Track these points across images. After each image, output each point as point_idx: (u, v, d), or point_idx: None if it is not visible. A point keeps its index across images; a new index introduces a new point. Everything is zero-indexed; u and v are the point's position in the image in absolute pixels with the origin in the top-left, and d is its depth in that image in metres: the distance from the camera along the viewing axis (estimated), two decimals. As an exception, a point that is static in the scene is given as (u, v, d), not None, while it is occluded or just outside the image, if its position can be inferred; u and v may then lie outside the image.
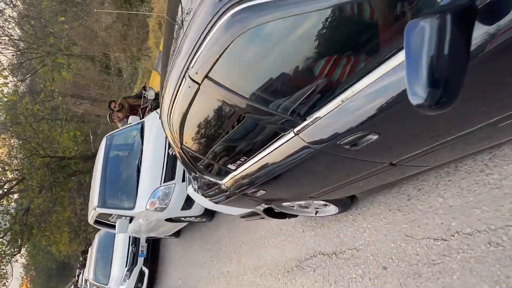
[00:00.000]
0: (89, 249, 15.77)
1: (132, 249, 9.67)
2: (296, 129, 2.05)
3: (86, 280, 23.15)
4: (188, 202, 6.10)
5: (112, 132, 7.72)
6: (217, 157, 2.79)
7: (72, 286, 32.43)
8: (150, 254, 9.91)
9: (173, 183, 6.03)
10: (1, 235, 18.28)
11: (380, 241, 2.73)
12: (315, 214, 3.32)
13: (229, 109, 2.19)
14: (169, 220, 6.53)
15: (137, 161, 6.45)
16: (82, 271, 27.41)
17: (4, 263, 18.92)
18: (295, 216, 3.67)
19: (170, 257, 9.23)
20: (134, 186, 6.31)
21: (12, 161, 20.18)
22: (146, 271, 9.72)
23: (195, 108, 2.42)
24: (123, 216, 6.59)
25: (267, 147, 2.33)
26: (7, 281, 18.96)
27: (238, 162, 2.69)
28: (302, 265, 3.65)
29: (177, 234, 8.51)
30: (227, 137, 2.46)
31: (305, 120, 1.97)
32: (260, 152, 2.42)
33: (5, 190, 18.75)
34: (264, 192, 2.88)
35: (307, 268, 3.57)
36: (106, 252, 10.52)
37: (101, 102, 21.15)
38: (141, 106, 8.33)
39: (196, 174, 3.20)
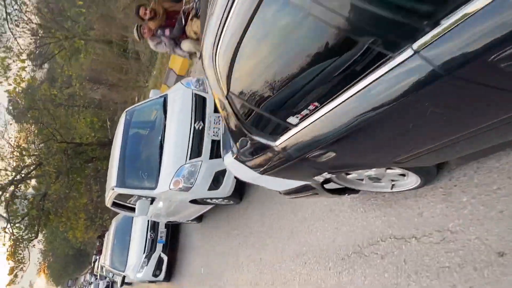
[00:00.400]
0: (106, 235, 15.43)
1: (150, 235, 9.17)
2: (417, 44, 1.37)
3: (102, 267, 23.00)
4: (216, 182, 5.50)
5: (132, 106, 7.11)
6: (275, 107, 2.13)
7: (88, 273, 32.51)
8: (170, 240, 9.39)
9: (199, 160, 5.37)
10: (19, 220, 18.11)
11: (492, 219, 2.05)
12: (391, 188, 2.64)
13: (311, 25, 1.54)
14: (193, 201, 5.94)
15: (160, 137, 5.82)
16: (98, 258, 27.40)
17: (21, 248, 18.77)
18: (356, 192, 3.01)
19: (191, 244, 8.68)
20: (157, 164, 5.71)
21: (30, 146, 20.04)
22: (165, 258, 9.21)
23: (256, 31, 1.77)
24: (144, 197, 6.03)
25: (357, 82, 1.65)
26: (24, 266, 18.81)
27: (305, 111, 2.03)
28: (364, 251, 3.00)
29: (199, 218, 7.93)
30: (297, 74, 1.80)
31: (438, 25, 1.29)
32: (342, 93, 1.75)
33: (23, 176, 18.56)
34: (334, 154, 2.21)
35: (372, 256, 2.91)
36: (123, 238, 10.05)
37: (119, 88, 20.76)
38: (182, 10, 5.74)
39: (242, 132, 2.54)
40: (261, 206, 5.31)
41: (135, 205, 6.16)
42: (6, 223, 17.92)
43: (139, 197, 6.08)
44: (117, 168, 6.29)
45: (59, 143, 16.75)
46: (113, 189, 6.23)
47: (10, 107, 24.74)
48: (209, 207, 6.74)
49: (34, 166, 18.97)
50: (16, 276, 18.70)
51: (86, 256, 46.16)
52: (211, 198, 5.86)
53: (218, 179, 5.47)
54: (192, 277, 7.97)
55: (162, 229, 9.27)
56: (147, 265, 9.09)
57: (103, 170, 22.10)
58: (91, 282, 29.92)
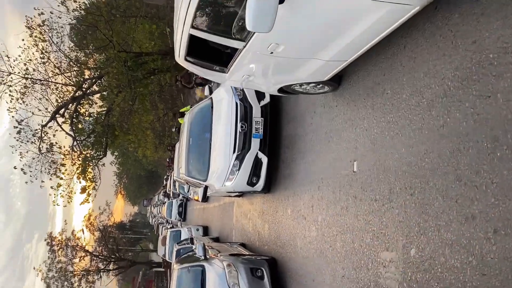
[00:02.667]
0: (177, 144, 13.46)
1: (241, 127, 6.39)
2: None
3: (174, 183, 21.92)
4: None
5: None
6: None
7: (162, 192, 32.48)
8: (270, 132, 6.64)
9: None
10: (85, 137, 16.64)
11: None
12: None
13: None
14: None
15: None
16: (168, 175, 26.68)
17: (91, 166, 17.53)
18: None
19: (310, 135, 5.76)
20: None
21: (88, 58, 18.16)
22: (265, 159, 6.51)
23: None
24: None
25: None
26: (96, 185, 17.73)
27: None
28: None
29: (336, 81, 4.80)
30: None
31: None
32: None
33: (84, 90, 16.69)
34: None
35: None
36: (201, 136, 7.47)
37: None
38: None
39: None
40: None
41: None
42: (72, 141, 16.55)
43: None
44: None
45: (118, 52, 14.46)
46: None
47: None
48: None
49: (94, 79, 17.10)
50: (89, 195, 17.69)
51: (158, 178, 47.05)
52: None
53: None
54: (313, 184, 5.19)
55: (257, 117, 6.42)
56: (239, 170, 6.50)
57: (167, 85, 20.04)
58: (164, 202, 29.68)
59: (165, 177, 29.10)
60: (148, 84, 18.21)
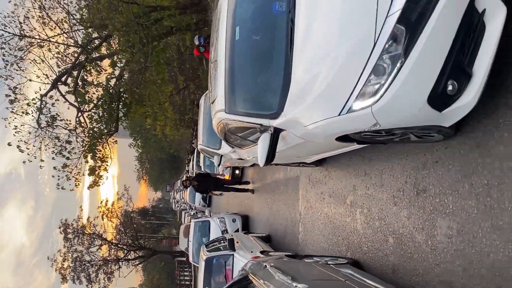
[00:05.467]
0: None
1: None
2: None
3: (197, 158, 19.08)
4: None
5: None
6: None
7: (185, 176, 30.11)
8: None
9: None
10: (91, 107, 14.02)
11: None
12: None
13: None
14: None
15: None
16: (191, 157, 24.16)
17: (101, 144, 14.97)
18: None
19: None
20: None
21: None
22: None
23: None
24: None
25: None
26: (107, 165, 15.17)
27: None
28: None
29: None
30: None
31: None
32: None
33: (89, 51, 14.04)
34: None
35: None
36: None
37: None
38: None
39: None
40: None
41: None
42: (77, 113, 13.99)
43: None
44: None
45: (129, 4, 11.68)
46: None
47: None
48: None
49: (101, 39, 14.43)
50: (100, 177, 15.17)
51: (180, 163, 44.79)
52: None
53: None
54: None
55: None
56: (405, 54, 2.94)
57: (187, 50, 17.34)
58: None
59: (187, 160, 26.38)
60: (164, 49, 15.46)
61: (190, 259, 12.46)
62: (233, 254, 6.49)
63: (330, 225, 5.36)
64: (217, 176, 11.95)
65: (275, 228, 8.36)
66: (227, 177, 12.22)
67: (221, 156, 6.75)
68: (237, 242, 6.94)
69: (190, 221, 14.68)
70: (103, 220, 28.01)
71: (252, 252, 6.24)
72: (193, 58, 20.27)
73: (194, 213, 23.16)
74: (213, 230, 11.34)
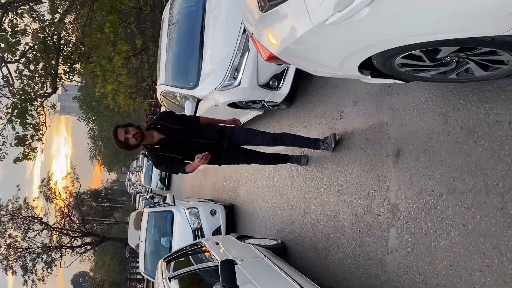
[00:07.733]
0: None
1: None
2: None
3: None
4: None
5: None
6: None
7: (141, 154, 27.17)
8: None
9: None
10: (16, 56, 11.03)
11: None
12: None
13: None
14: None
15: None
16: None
17: (35, 108, 12.09)
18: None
19: None
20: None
21: None
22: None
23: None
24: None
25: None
26: (41, 135, 12.29)
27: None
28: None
29: None
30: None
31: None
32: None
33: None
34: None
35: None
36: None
37: None
38: None
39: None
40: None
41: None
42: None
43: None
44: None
45: None
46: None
47: None
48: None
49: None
50: (33, 150, 12.23)
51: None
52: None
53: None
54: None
55: None
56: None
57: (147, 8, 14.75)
58: (142, 168, 24.37)
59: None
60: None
61: (141, 268, 7.96)
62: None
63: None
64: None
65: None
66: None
67: (198, 100, 4.63)
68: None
69: (144, 208, 10.56)
70: (47, 202, 24.74)
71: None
72: (155, 16, 17.34)
73: (149, 197, 20.40)
74: (179, 227, 7.01)
